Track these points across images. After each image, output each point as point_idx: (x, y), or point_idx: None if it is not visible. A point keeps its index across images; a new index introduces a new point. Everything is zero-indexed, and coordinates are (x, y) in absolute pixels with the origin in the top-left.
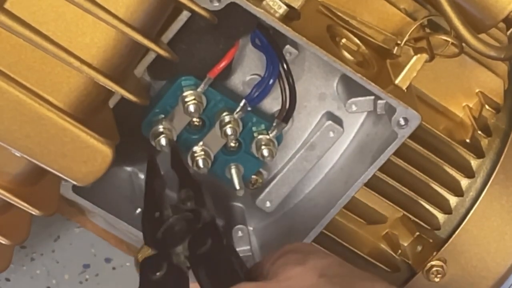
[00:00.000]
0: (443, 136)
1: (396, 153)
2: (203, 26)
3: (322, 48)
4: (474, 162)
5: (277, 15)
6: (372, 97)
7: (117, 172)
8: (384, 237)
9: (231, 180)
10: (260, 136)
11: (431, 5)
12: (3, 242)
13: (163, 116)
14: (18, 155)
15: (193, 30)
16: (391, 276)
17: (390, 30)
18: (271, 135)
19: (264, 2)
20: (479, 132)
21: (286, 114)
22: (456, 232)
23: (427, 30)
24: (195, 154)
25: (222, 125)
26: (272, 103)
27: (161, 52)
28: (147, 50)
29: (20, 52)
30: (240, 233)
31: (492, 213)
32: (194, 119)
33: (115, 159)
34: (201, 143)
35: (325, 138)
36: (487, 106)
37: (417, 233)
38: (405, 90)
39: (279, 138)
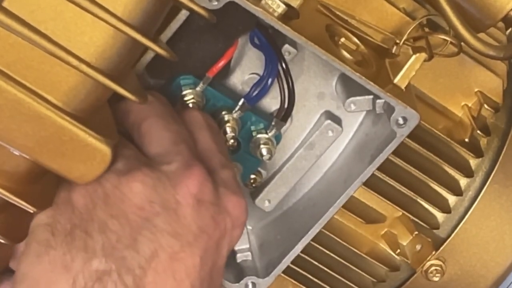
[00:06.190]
0: (442, 136)
1: (395, 153)
2: (202, 25)
3: (321, 47)
4: (473, 162)
5: (276, 14)
6: (371, 96)
7: None
8: (383, 237)
9: None
10: (259, 135)
11: (430, 4)
12: (3, 242)
13: None
14: (16, 153)
15: (192, 29)
16: (390, 275)
17: (389, 30)
18: (269, 134)
19: (263, 1)
20: (478, 131)
21: (285, 113)
22: (455, 232)
23: (426, 30)
24: None
25: (221, 124)
26: (271, 102)
27: (160, 51)
28: (146, 49)
29: (19, 51)
30: None
31: (491, 213)
32: None
33: None
34: None
35: (324, 137)
36: (486, 106)
37: (416, 232)
38: (404, 90)
39: (277, 137)
